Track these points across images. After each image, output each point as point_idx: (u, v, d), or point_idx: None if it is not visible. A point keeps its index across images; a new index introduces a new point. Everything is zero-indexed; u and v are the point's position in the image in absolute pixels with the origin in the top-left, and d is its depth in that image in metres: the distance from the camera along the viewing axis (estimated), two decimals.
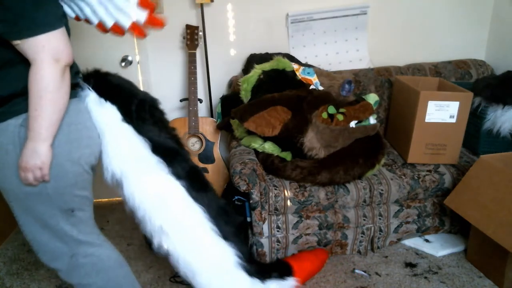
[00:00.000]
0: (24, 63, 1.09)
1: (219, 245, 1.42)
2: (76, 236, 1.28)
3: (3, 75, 1.10)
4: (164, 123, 1.42)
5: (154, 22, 1.22)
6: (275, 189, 1.92)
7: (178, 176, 1.37)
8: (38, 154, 1.10)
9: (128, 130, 1.32)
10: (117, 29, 1.23)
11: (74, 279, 1.33)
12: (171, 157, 1.37)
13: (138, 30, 1.24)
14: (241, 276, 1.48)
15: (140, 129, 1.34)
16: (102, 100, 1.31)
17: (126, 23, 1.22)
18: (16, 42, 1.03)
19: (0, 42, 1.05)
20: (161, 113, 1.43)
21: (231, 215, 1.50)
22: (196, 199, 1.39)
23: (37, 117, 1.07)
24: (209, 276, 1.42)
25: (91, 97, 1.29)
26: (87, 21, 1.28)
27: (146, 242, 2.21)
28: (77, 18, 1.28)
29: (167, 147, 1.38)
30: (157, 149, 1.35)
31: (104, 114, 1.30)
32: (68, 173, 1.19)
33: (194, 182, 1.41)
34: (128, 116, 1.33)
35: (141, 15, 1.20)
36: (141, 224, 1.35)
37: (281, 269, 1.75)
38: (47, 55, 1.05)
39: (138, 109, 1.35)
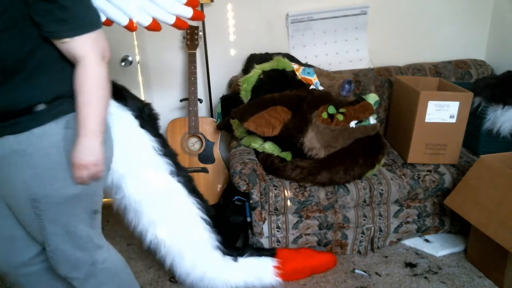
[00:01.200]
0: (59, 67, 1.10)
1: (204, 231, 1.62)
2: (95, 240, 1.31)
3: (40, 80, 1.09)
4: (159, 127, 1.59)
5: (198, 16, 1.40)
6: (275, 189, 1.92)
7: (176, 173, 1.52)
8: (93, 150, 1.11)
9: (144, 134, 1.45)
10: (156, 26, 1.37)
11: (89, 287, 1.33)
12: (171, 157, 1.52)
13: (181, 23, 1.39)
14: (217, 256, 1.68)
15: (152, 133, 1.47)
16: (121, 106, 1.41)
17: (170, 20, 1.36)
18: (66, 40, 1.05)
19: (35, 47, 1.05)
20: (157, 117, 1.58)
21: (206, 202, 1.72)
22: (190, 192, 1.57)
23: (90, 114, 1.09)
24: (194, 259, 1.60)
25: (111, 103, 1.36)
26: (108, 22, 1.35)
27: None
28: None
29: (168, 148, 1.53)
30: (163, 150, 1.49)
31: (124, 119, 1.40)
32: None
33: (186, 178, 1.58)
34: (143, 122, 1.45)
35: (188, 11, 1.36)
36: (133, 222, 1.48)
37: (263, 251, 1.91)
38: (97, 52, 1.08)
39: (149, 116, 1.49)
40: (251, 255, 1.82)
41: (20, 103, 1.07)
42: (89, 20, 1.08)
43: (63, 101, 1.12)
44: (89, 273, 1.30)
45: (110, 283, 1.36)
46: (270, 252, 1.90)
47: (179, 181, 1.53)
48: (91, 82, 1.08)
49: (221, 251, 1.71)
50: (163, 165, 1.48)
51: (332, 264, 1.97)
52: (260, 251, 1.90)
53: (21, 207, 1.16)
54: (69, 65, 1.12)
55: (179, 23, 1.38)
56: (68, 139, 1.12)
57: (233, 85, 2.43)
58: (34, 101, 1.08)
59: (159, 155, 1.47)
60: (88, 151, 1.11)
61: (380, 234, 2.06)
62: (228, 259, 1.74)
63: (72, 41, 1.05)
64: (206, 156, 2.42)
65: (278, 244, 2.00)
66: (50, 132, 1.11)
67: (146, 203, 1.45)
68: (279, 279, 1.82)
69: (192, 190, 1.60)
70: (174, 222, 1.52)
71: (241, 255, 1.80)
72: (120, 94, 1.44)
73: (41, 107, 1.09)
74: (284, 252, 1.91)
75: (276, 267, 1.82)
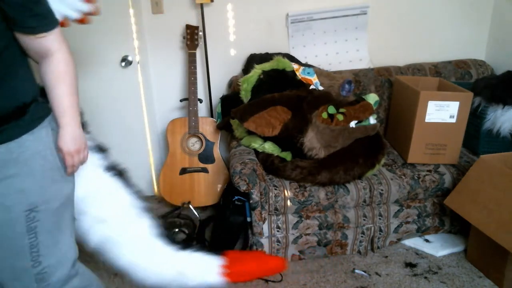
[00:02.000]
0: (25, 66, 1.10)
1: (142, 220, 1.55)
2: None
3: (22, 79, 1.08)
4: (84, 122, 1.55)
5: (96, 11, 1.42)
6: (275, 189, 1.92)
7: (109, 168, 1.48)
8: (80, 136, 1.17)
9: None
10: (64, 23, 1.38)
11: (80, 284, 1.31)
12: (103, 153, 1.49)
13: (84, 19, 1.41)
14: (159, 244, 1.62)
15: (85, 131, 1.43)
16: None
17: (74, 15, 1.36)
18: (42, 35, 1.06)
19: (6, 45, 1.03)
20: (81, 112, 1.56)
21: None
22: (126, 184, 1.52)
23: (74, 103, 1.14)
24: (137, 251, 1.55)
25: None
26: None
27: None
28: None
29: (99, 144, 1.49)
30: (95, 147, 1.46)
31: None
32: None
33: (118, 171, 1.53)
34: None
35: (87, 7, 1.39)
36: (76, 223, 1.42)
37: (209, 250, 1.85)
38: (66, 43, 1.11)
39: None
40: (197, 250, 1.81)
41: (4, 107, 1.04)
42: (54, 14, 1.10)
43: (39, 102, 1.12)
44: (72, 276, 1.27)
45: (86, 280, 1.35)
46: (218, 252, 1.90)
47: (113, 175, 1.50)
48: (70, 72, 1.12)
49: (161, 238, 1.67)
50: (97, 161, 1.44)
51: (282, 267, 1.95)
52: (206, 250, 1.89)
53: (7, 228, 1.08)
54: (28, 63, 1.12)
55: (83, 19, 1.40)
56: (54, 139, 1.14)
57: (233, 85, 2.43)
58: (17, 103, 1.06)
59: (92, 152, 1.43)
60: (77, 138, 1.16)
61: (380, 234, 2.06)
62: (173, 247, 1.69)
63: (48, 35, 1.06)
64: (206, 156, 2.42)
65: (278, 244, 2.00)
66: (41, 135, 1.11)
67: (88, 201, 1.41)
68: (224, 279, 1.80)
69: (127, 181, 1.56)
70: (117, 216, 1.50)
71: (186, 248, 1.76)
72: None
73: (26, 109, 1.07)
74: (232, 254, 1.91)
75: (222, 266, 1.80)
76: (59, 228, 1.19)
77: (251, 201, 1.89)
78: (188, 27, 2.35)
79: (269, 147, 2.01)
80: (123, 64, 2.38)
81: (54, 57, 1.09)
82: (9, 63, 1.04)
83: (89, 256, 1.39)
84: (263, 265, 1.89)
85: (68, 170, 1.17)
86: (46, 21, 1.06)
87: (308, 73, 2.12)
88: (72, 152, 1.15)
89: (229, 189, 2.22)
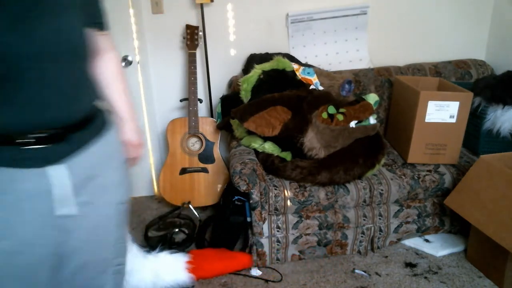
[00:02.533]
0: None
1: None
2: None
3: (90, 83, 1.04)
4: None
5: None
6: (275, 189, 1.92)
7: None
8: (140, 130, 1.21)
9: None
10: None
11: None
12: None
13: None
14: (136, 248, 1.70)
15: None
16: None
17: None
18: (106, 32, 1.09)
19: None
20: None
21: None
22: None
23: (130, 99, 1.17)
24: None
25: None
26: None
27: (146, 243, 2.21)
28: None
29: None
30: None
31: None
32: None
33: None
34: None
35: None
36: None
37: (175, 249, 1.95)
38: None
39: None
40: (162, 250, 1.85)
41: (91, 106, 1.01)
42: None
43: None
44: None
45: None
46: (183, 250, 1.94)
47: None
48: (123, 70, 1.17)
49: (137, 244, 1.74)
50: None
51: (248, 263, 1.98)
52: (171, 249, 1.93)
53: (106, 223, 1.07)
54: None
55: None
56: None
57: (233, 85, 2.43)
58: (95, 102, 1.03)
59: None
60: (139, 132, 1.20)
61: (380, 234, 2.06)
62: (144, 251, 1.77)
63: (108, 33, 1.10)
64: (206, 156, 2.42)
65: (278, 244, 2.00)
66: (113, 131, 1.09)
67: None
68: (191, 275, 1.84)
69: None
70: None
71: (154, 249, 1.84)
72: None
73: (97, 108, 1.05)
74: (197, 251, 1.97)
75: (188, 262, 1.83)
76: (125, 220, 1.17)
77: (251, 201, 1.89)
78: (188, 27, 2.35)
79: (269, 147, 2.01)
80: (123, 64, 2.39)
81: (110, 55, 1.12)
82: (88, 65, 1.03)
83: None
84: (228, 261, 1.94)
85: (133, 162, 1.21)
86: (105, 19, 1.08)
87: (308, 73, 2.12)
88: (139, 144, 1.19)
89: (229, 189, 2.22)
